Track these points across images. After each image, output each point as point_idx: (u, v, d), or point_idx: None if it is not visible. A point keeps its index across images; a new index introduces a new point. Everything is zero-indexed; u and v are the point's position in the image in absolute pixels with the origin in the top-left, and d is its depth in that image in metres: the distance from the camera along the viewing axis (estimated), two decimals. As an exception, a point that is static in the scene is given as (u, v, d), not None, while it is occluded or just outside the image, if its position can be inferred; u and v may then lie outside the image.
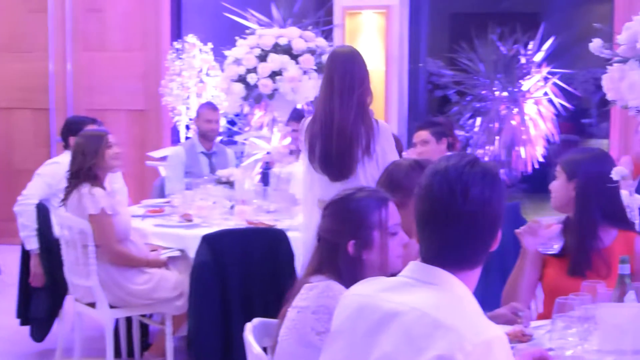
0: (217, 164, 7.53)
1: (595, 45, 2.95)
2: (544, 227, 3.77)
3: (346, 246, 3.01)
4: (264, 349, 3.13)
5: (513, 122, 10.62)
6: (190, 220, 5.90)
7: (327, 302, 2.88)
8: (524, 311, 3.54)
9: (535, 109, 10.76)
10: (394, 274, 3.09)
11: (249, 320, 5.16)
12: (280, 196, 6.26)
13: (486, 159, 8.82)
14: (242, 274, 5.24)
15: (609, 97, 2.89)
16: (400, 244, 3.12)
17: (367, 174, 4.74)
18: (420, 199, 2.34)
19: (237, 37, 6.69)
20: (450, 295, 2.27)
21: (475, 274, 2.35)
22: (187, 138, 9.04)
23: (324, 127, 4.74)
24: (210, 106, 7.81)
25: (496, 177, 2.33)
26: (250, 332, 3.07)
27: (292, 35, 6.50)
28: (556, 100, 10.96)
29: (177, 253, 5.73)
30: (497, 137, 10.52)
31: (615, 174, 3.30)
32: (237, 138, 9.33)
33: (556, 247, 3.77)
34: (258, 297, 5.22)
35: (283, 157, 6.74)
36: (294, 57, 6.40)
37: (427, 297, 2.25)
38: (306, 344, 2.90)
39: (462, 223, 2.27)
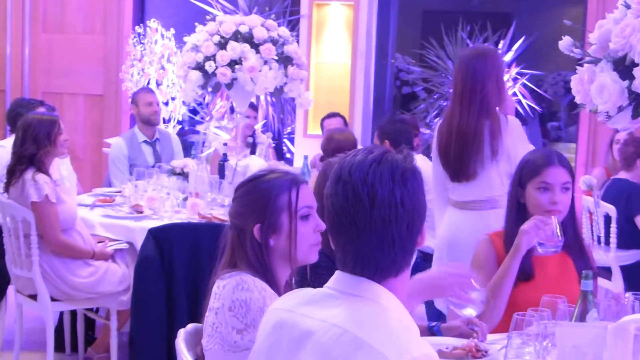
0: (162, 152, 7.31)
1: (565, 43, 2.75)
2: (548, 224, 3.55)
3: (252, 231, 2.82)
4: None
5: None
6: (140, 212, 5.68)
7: (242, 296, 2.71)
8: (480, 325, 3.34)
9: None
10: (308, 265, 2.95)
11: (195, 319, 4.99)
12: (236, 190, 6.04)
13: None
14: (190, 271, 5.04)
15: (577, 100, 2.70)
16: (313, 230, 2.88)
17: (494, 174, 4.70)
18: (327, 210, 2.11)
19: (196, 23, 6.46)
20: (375, 309, 2.05)
21: (403, 279, 2.13)
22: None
23: (447, 129, 4.74)
24: (147, 89, 7.62)
25: (407, 172, 2.07)
26: (182, 339, 2.84)
27: (254, 23, 6.27)
28: (524, 102, 10.80)
29: (124, 245, 5.51)
30: (463, 137, 10.34)
31: (582, 183, 3.13)
32: (198, 128, 9.10)
33: (553, 250, 3.54)
34: (205, 294, 5.02)
35: (239, 149, 6.52)
36: (255, 46, 6.17)
37: (349, 311, 2.04)
38: (232, 346, 2.71)
39: (374, 231, 2.03)
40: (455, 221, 4.83)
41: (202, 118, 10.26)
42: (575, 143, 9.19)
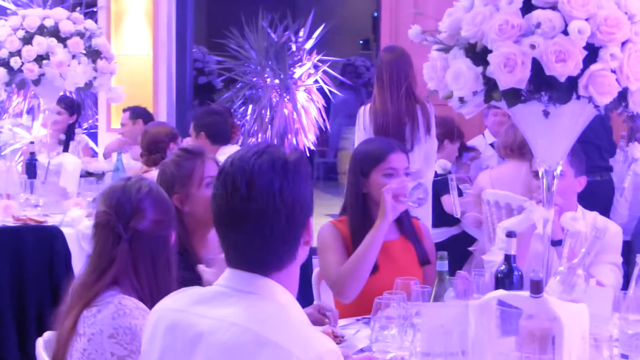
0: None
1: (414, 32, 2.81)
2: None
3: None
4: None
5: (285, 111, 10.54)
6: (-52, 217, 5.39)
7: (124, 323, 2.58)
8: (331, 310, 3.39)
9: (307, 96, 10.75)
10: None
11: (22, 326, 4.81)
12: (49, 189, 5.85)
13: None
14: (14, 276, 4.86)
15: (430, 86, 2.76)
16: None
17: (423, 150, 5.64)
18: (211, 200, 2.10)
19: (-3, 18, 6.19)
20: (273, 306, 2.04)
21: (289, 274, 2.11)
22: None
23: (383, 111, 5.61)
24: None
25: (289, 164, 2.06)
26: (42, 348, 2.73)
27: (59, 16, 6.07)
28: (326, 88, 10.98)
29: None
30: (269, 126, 10.42)
31: (438, 167, 3.24)
32: (-8, 126, 8.69)
33: (423, 197, 3.62)
34: (32, 300, 4.86)
35: (50, 147, 6.31)
36: (62, 40, 5.97)
37: (247, 309, 2.02)
38: None
39: (252, 222, 2.03)
40: None
41: (-4, 116, 9.83)
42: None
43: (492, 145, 7.58)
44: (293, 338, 1.94)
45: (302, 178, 2.09)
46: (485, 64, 2.57)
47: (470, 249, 6.48)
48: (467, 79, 2.58)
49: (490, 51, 2.56)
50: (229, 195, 2.03)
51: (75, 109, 8.01)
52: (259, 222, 2.03)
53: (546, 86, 2.56)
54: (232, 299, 2.05)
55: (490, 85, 2.62)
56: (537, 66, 2.52)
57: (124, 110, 7.72)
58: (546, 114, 2.57)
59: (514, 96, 2.57)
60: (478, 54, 2.62)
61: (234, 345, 1.96)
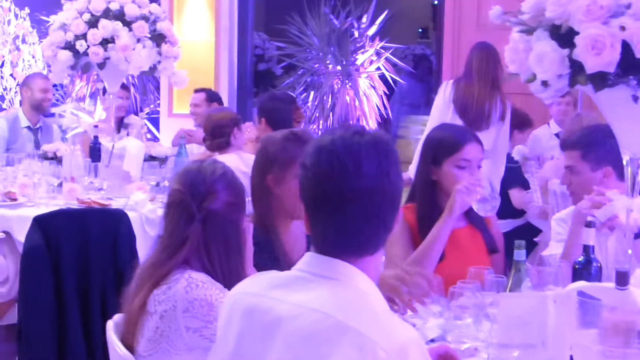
0: (43, 140, 7.08)
1: (495, 13, 2.73)
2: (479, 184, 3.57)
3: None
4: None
5: (347, 97, 10.48)
6: (14, 199, 5.41)
7: (199, 295, 2.57)
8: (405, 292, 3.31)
9: (368, 83, 10.69)
10: None
11: (86, 309, 4.81)
12: (113, 173, 5.85)
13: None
14: (78, 258, 4.87)
15: (512, 69, 2.67)
16: None
17: (494, 134, 6.13)
18: (307, 180, 2.03)
19: (63, 1, 6.17)
20: (354, 293, 1.98)
21: (377, 258, 2.08)
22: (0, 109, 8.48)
23: (468, 88, 6.17)
24: (43, 76, 7.40)
25: (390, 146, 2.05)
26: (113, 330, 2.70)
27: (124, 0, 6.05)
28: (388, 75, 10.91)
29: (1, 235, 5.23)
30: (331, 112, 10.37)
31: (516, 153, 3.15)
32: (55, 110, 8.74)
33: (491, 208, 3.54)
34: (96, 283, 4.87)
35: (112, 131, 6.32)
36: (127, 24, 5.96)
37: (328, 295, 1.96)
38: (185, 347, 2.57)
39: (359, 202, 1.97)
40: None
41: (58, 100, 9.91)
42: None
43: (557, 135, 7.44)
44: (376, 326, 1.88)
45: (398, 159, 2.06)
46: (572, 46, 2.48)
47: (535, 239, 6.37)
48: (551, 61, 2.49)
49: (577, 33, 2.46)
50: (337, 174, 1.98)
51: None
52: (368, 203, 1.98)
53: (635, 70, 2.46)
54: (312, 284, 2.00)
55: (575, 68, 2.52)
56: (626, 49, 2.42)
57: (198, 91, 7.74)
58: (635, 98, 2.47)
59: (601, 80, 2.47)
60: (563, 36, 2.52)
61: (314, 332, 1.90)
